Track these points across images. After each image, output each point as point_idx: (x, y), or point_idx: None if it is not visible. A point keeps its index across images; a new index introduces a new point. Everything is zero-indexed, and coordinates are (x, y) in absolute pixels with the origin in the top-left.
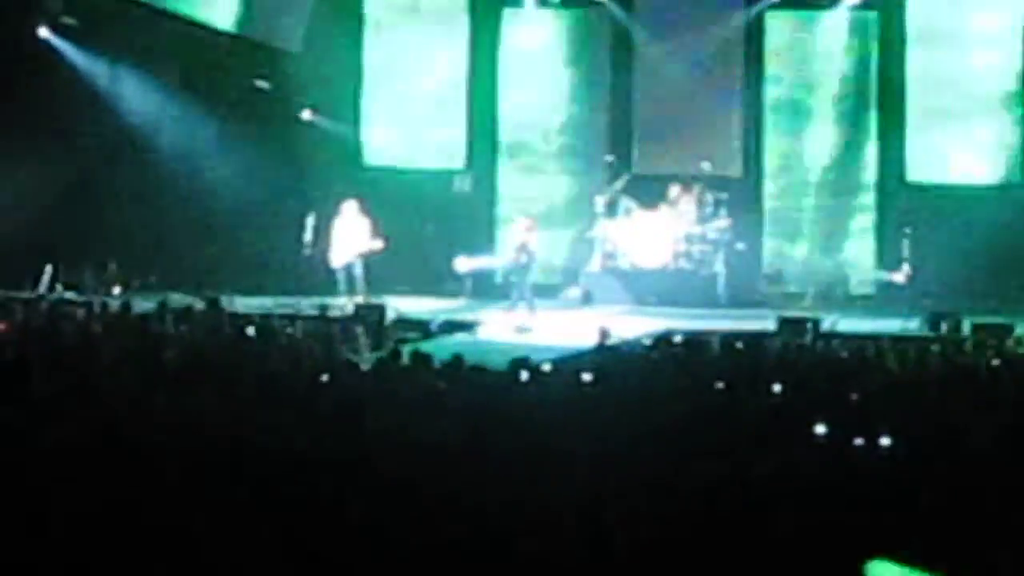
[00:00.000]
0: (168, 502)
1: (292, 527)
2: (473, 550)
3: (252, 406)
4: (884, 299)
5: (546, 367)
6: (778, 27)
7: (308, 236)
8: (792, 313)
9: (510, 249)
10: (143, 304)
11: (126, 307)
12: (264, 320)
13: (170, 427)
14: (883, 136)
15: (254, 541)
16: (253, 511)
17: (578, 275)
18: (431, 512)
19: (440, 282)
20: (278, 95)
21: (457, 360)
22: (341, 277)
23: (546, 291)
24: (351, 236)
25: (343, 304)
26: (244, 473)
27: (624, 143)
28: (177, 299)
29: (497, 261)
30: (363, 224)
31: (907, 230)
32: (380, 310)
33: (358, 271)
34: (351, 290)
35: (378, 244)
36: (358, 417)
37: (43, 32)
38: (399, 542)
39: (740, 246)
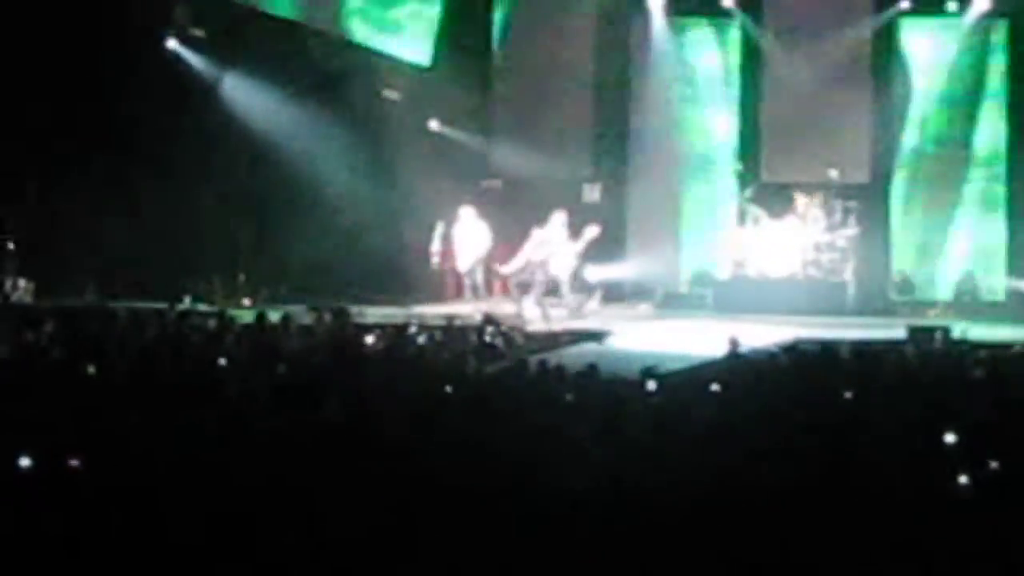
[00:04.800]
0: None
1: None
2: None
3: (377, 417)
4: (1015, 306)
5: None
6: (908, 33)
7: (436, 245)
8: (922, 321)
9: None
10: (271, 316)
11: (259, 318)
12: (392, 330)
13: (288, 437)
14: (1015, 145)
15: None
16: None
17: (707, 283)
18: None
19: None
20: (406, 106)
21: (590, 369)
22: (468, 284)
23: (679, 300)
24: (472, 242)
25: (471, 312)
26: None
27: (752, 152)
28: (304, 310)
29: (626, 270)
30: (482, 229)
31: None
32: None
33: (479, 277)
34: (478, 297)
35: (493, 245)
36: (486, 426)
37: (171, 44)
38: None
39: None
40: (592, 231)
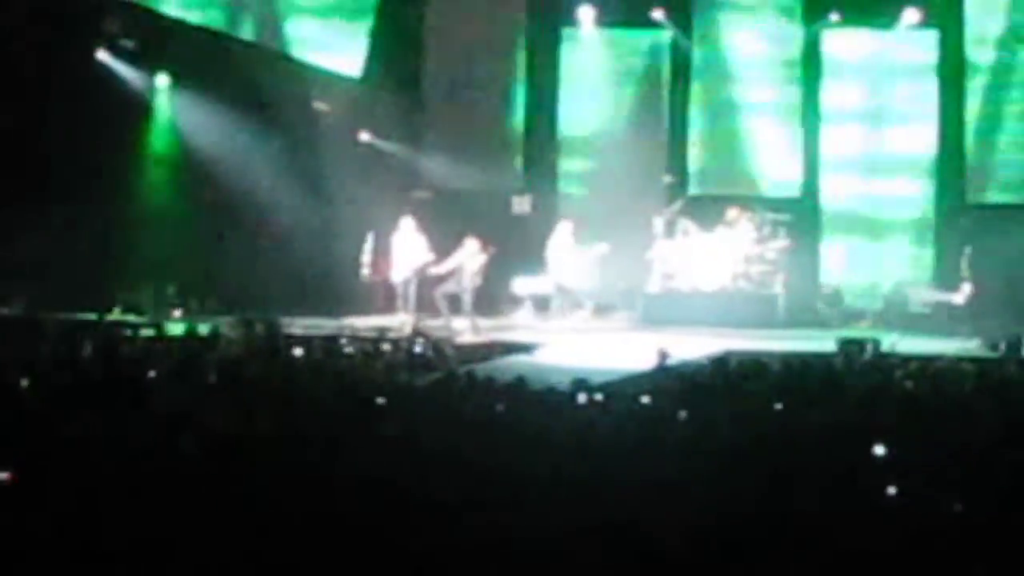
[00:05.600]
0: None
1: (341, 546)
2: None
3: (306, 427)
4: (943, 319)
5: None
6: (836, 46)
7: (366, 257)
8: (852, 333)
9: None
10: (202, 327)
11: (189, 329)
12: (322, 342)
13: (216, 443)
14: (942, 155)
15: (302, 557)
16: (301, 529)
17: (635, 296)
18: (486, 536)
19: (498, 303)
20: (337, 118)
21: (519, 382)
22: (400, 295)
23: (608, 312)
24: (409, 252)
25: (401, 323)
26: (292, 491)
27: (682, 164)
28: (234, 321)
29: (552, 282)
30: (420, 241)
31: (967, 250)
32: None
33: (412, 289)
34: (408, 309)
35: (431, 257)
36: (415, 438)
37: (101, 55)
38: (455, 563)
39: None
40: (602, 247)
